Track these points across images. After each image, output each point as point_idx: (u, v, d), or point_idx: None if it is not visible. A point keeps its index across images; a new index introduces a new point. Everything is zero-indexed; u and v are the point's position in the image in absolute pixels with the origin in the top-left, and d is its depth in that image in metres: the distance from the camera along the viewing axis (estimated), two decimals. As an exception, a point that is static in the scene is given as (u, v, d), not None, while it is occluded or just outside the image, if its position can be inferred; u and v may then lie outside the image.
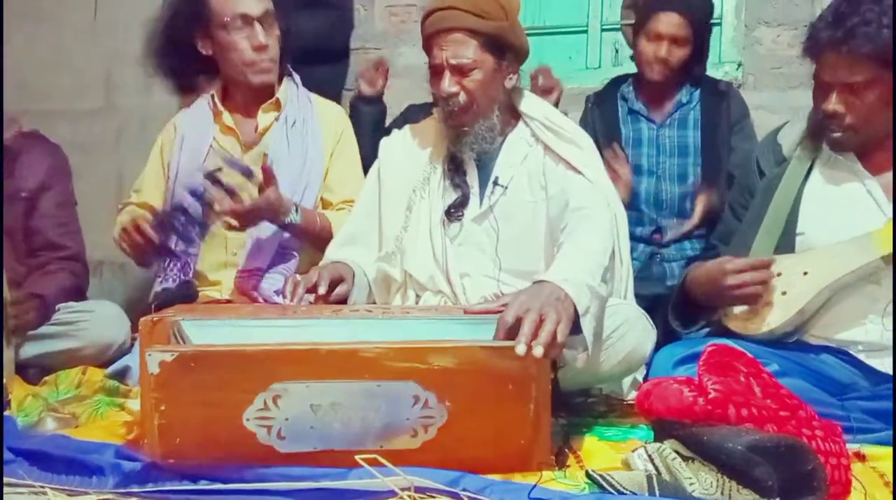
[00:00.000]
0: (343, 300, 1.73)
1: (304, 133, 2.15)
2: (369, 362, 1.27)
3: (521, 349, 1.26)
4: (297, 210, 2.01)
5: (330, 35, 2.57)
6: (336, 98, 2.58)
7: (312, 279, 1.68)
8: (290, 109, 2.16)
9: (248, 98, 2.18)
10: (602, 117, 2.50)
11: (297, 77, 2.23)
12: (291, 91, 2.20)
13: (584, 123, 2.53)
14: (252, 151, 2.15)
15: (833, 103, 1.64)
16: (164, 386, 1.24)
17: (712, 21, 2.50)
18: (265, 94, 2.17)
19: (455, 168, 1.85)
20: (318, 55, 2.51)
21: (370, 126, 2.43)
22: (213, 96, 2.21)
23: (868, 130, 1.65)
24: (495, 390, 1.29)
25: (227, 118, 2.18)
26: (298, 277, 1.72)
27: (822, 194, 1.71)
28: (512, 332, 1.30)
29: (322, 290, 1.66)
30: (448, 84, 1.75)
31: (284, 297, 1.67)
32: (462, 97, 1.76)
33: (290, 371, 1.26)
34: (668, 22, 2.34)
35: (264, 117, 2.17)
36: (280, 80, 2.20)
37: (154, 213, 1.99)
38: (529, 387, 1.29)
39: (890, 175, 1.68)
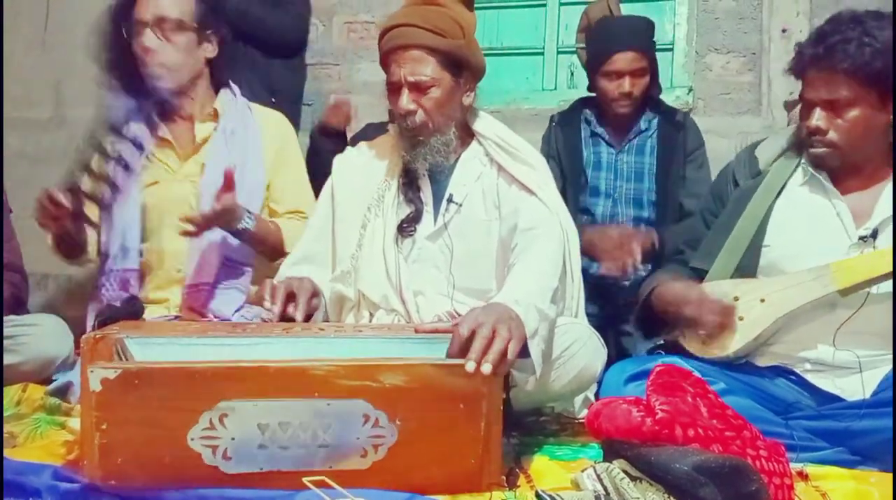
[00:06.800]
0: (314, 312, 1.71)
1: (245, 142, 2.13)
2: (319, 380, 1.25)
3: (470, 367, 1.27)
4: (250, 216, 2.00)
5: (287, 29, 2.60)
6: (297, 102, 2.56)
7: (293, 286, 1.65)
8: (228, 119, 2.14)
9: (179, 112, 2.14)
10: (565, 138, 2.54)
11: (235, 88, 2.21)
12: (229, 101, 2.17)
13: (547, 141, 2.57)
14: (189, 160, 2.12)
15: (816, 119, 1.68)
16: (106, 404, 1.21)
17: (661, 46, 2.58)
18: (197, 105, 2.14)
19: (409, 183, 1.85)
20: (275, 50, 2.52)
21: (330, 162, 2.39)
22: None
23: (849, 150, 1.69)
24: (446, 408, 1.28)
25: (163, 130, 2.14)
26: (276, 281, 1.69)
27: (792, 210, 1.75)
28: (465, 346, 1.30)
29: (302, 303, 1.63)
30: (406, 101, 1.75)
31: (262, 301, 1.63)
32: (419, 115, 1.76)
33: (237, 389, 1.23)
34: (626, 59, 2.39)
35: (202, 128, 2.14)
36: (217, 90, 2.18)
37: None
38: (480, 405, 1.29)
39: (858, 198, 1.72)
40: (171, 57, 2.07)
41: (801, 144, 1.76)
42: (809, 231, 1.71)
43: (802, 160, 1.77)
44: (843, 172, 1.73)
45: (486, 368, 1.27)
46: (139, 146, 1.83)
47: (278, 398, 1.24)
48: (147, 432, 1.22)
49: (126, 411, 1.21)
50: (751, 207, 1.77)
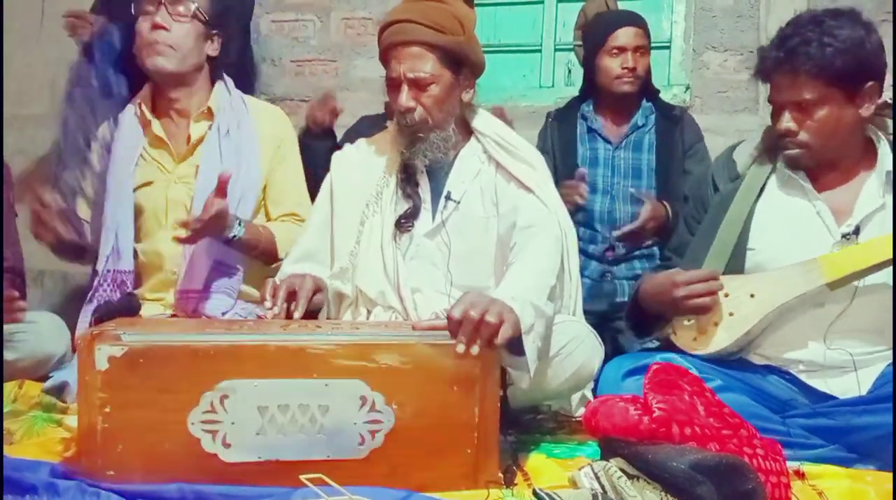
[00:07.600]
0: (319, 308, 1.72)
1: (239, 141, 2.09)
2: (317, 360, 1.27)
3: (460, 348, 1.29)
4: (240, 224, 1.96)
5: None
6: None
7: (295, 284, 1.65)
8: (223, 117, 2.10)
9: (175, 106, 2.11)
10: (560, 135, 2.54)
11: (229, 82, 2.18)
12: (223, 97, 2.13)
13: (543, 137, 2.58)
14: (185, 162, 2.09)
15: (785, 121, 1.69)
16: (111, 384, 1.23)
17: (659, 44, 2.62)
18: (194, 102, 2.11)
19: (407, 178, 1.85)
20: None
21: (322, 159, 2.24)
22: (140, 105, 2.13)
23: (822, 148, 1.69)
24: (441, 390, 1.30)
25: (157, 128, 2.10)
26: (277, 281, 1.68)
27: (773, 212, 1.75)
28: (457, 329, 1.31)
29: (303, 302, 1.62)
30: (405, 99, 1.75)
31: (263, 301, 1.62)
32: (419, 112, 1.76)
33: (238, 368, 1.25)
34: (628, 33, 2.43)
35: (196, 127, 2.10)
36: (213, 85, 2.15)
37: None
38: (474, 388, 1.31)
39: (837, 195, 1.72)
40: (179, 39, 2.05)
41: (774, 146, 1.76)
42: (792, 233, 1.71)
43: (778, 162, 1.77)
44: (819, 169, 1.73)
45: (475, 349, 1.29)
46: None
47: (277, 378, 1.26)
48: (149, 415, 1.24)
49: (129, 394, 1.23)
50: (731, 211, 1.77)
